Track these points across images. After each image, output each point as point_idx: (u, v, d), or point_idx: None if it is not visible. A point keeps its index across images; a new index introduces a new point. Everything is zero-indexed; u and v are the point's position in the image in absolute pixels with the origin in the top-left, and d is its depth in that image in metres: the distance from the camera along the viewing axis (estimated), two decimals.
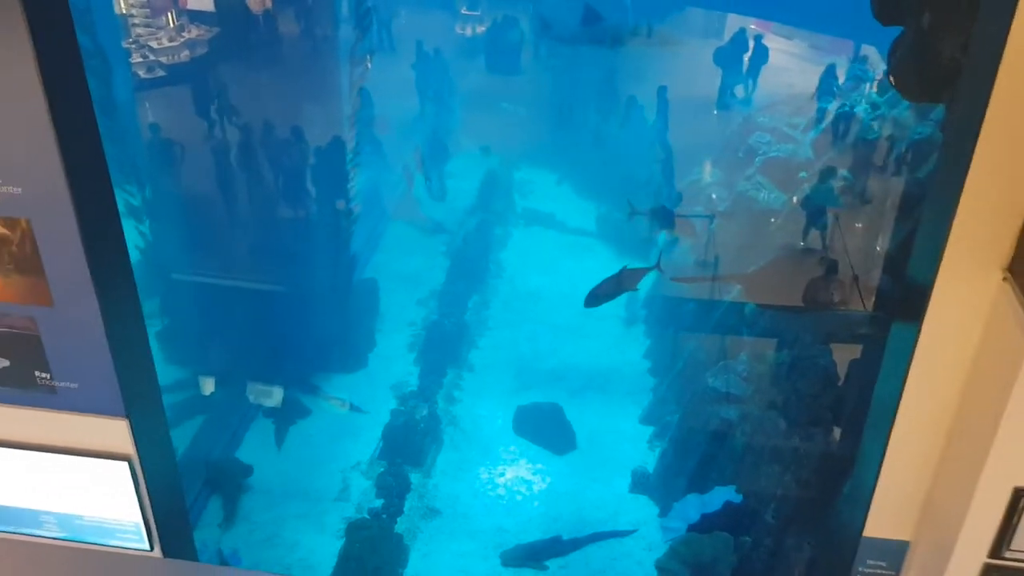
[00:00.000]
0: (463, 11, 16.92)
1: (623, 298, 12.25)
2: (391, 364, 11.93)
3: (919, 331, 3.79)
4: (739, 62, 13.93)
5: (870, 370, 4.65)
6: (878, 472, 4.23)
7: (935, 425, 4.04)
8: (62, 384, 4.40)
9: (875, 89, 11.20)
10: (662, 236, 13.05)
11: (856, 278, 8.52)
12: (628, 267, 9.55)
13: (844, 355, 7.75)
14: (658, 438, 10.68)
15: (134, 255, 10.18)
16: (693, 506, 9.31)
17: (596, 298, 9.56)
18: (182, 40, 10.83)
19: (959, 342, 3.78)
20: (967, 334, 3.75)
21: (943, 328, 3.76)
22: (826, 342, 7.84)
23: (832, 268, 9.06)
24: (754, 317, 9.43)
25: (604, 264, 13.81)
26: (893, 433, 4.11)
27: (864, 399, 4.48)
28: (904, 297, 3.89)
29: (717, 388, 9.44)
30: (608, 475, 10.48)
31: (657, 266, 9.51)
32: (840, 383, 7.51)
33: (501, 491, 10.38)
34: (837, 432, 7.49)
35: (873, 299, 5.96)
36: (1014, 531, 3.81)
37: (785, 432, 7.80)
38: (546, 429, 11.12)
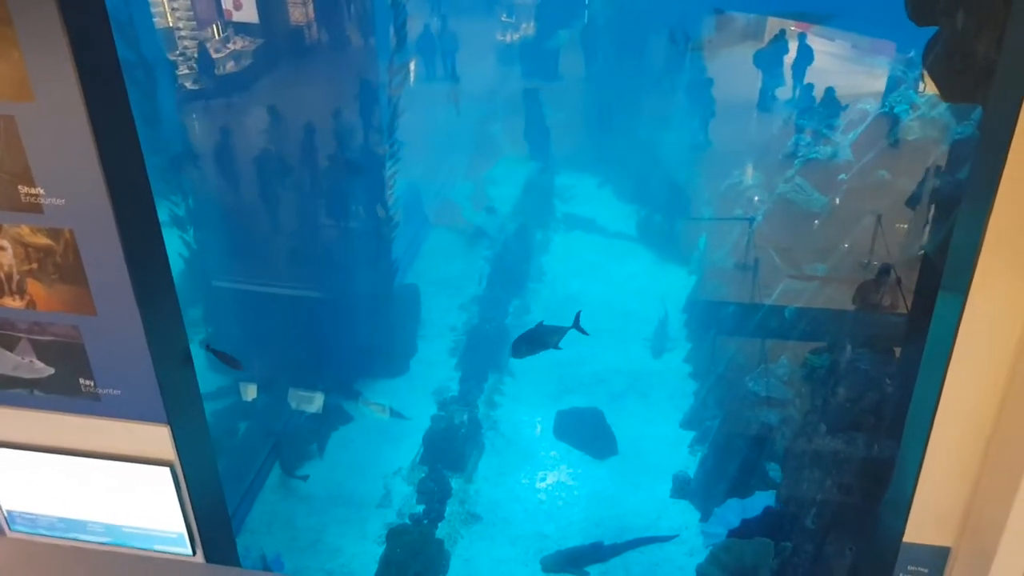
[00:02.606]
0: (503, 18, 17.02)
1: (659, 313, 12.22)
2: (432, 369, 12.01)
3: (956, 334, 3.74)
4: (780, 64, 13.82)
5: (909, 374, 4.59)
6: (917, 477, 4.18)
7: (974, 430, 3.97)
8: (105, 391, 4.50)
9: (915, 89, 11.03)
10: (703, 240, 12.99)
11: (899, 280, 8.38)
12: (545, 323, 9.48)
13: (885, 358, 7.64)
14: (699, 443, 10.62)
15: (178, 263, 10.47)
16: (734, 511, 9.23)
17: (519, 351, 9.51)
18: (227, 52, 11.03)
19: (997, 345, 3.72)
20: (1005, 337, 3.69)
21: (980, 331, 3.70)
22: (867, 345, 7.73)
23: (885, 271, 8.93)
24: (794, 320, 9.34)
25: (645, 268, 13.81)
26: (932, 438, 4.05)
27: (903, 403, 4.42)
28: (941, 299, 3.83)
29: (757, 392, 9.36)
30: (649, 480, 10.44)
31: (575, 325, 9.44)
32: (881, 387, 7.41)
33: (542, 496, 10.38)
34: (878, 437, 7.39)
35: (912, 301, 5.88)
36: None
37: (826, 436, 7.71)
38: (587, 434, 11.11)
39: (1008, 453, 3.81)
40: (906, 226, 10.02)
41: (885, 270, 8.95)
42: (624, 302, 13.10)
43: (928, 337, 3.96)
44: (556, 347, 9.23)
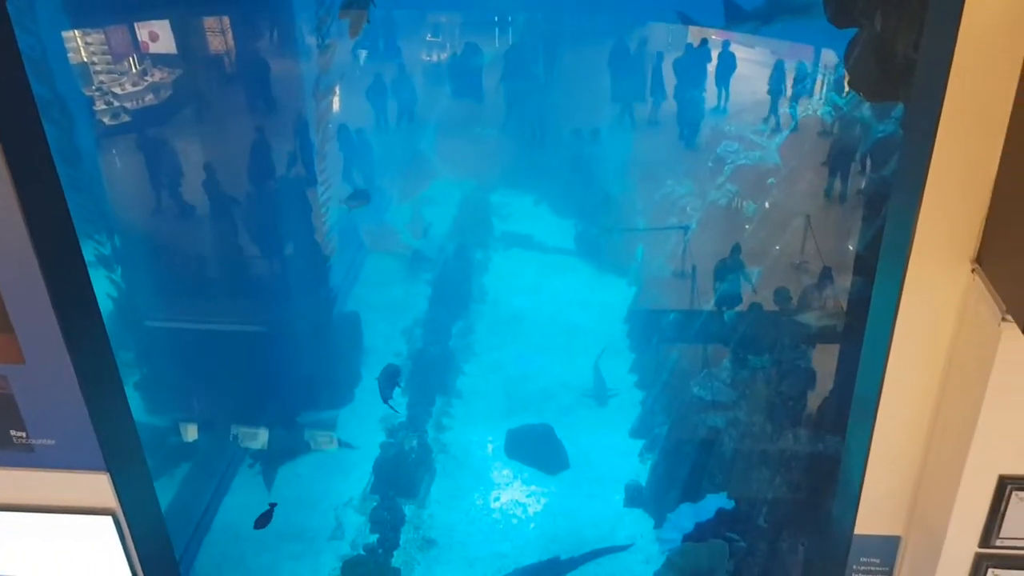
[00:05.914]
0: (428, 38, 16.99)
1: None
2: (378, 397, 11.85)
3: (893, 328, 3.81)
4: (705, 72, 14.03)
5: (849, 369, 4.66)
6: (864, 469, 4.24)
7: (917, 419, 4.05)
8: (39, 441, 4.34)
9: (837, 91, 11.30)
10: (640, 250, 13.11)
11: (832, 278, 8.57)
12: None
13: (825, 356, 7.77)
14: (649, 451, 10.66)
15: (107, 304, 10.20)
16: (687, 516, 9.28)
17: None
18: (145, 84, 10.82)
19: (933, 336, 3.80)
20: (940, 327, 3.77)
21: (916, 323, 3.78)
22: (806, 343, 7.88)
23: (824, 273, 9.09)
24: (734, 324, 9.46)
25: (585, 282, 13.86)
26: (876, 430, 4.11)
27: (845, 398, 4.49)
28: (876, 295, 3.90)
29: (703, 397, 9.45)
30: (602, 491, 10.44)
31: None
32: (822, 384, 7.53)
33: (497, 516, 10.32)
34: (823, 432, 7.50)
35: (847, 298, 5.99)
36: (1002, 519, 3.83)
37: (772, 436, 7.81)
38: (538, 450, 11.09)
39: (950, 440, 3.89)
40: (835, 226, 10.26)
41: (825, 273, 9.15)
42: (568, 316, 13.14)
43: (866, 332, 4.03)
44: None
